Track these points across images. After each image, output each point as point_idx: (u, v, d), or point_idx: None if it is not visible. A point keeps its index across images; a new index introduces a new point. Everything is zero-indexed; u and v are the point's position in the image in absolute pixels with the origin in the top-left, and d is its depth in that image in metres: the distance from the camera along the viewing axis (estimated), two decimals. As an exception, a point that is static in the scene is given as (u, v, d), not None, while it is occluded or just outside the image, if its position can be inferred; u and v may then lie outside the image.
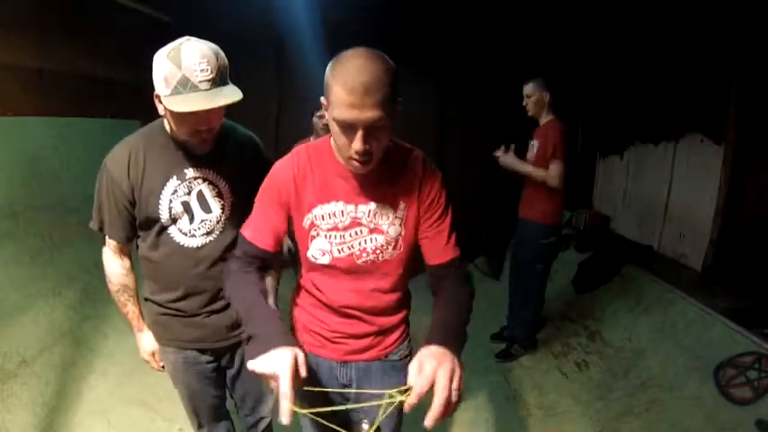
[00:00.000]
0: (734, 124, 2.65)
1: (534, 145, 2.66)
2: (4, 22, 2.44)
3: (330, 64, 0.90)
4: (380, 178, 1.02)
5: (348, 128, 0.88)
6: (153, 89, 1.07)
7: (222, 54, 1.07)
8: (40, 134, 2.82)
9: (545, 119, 2.62)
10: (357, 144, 0.88)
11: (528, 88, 2.62)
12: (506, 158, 2.67)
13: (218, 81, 1.04)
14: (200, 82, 1.01)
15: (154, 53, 1.05)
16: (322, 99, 0.94)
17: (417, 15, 3.99)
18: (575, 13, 3.52)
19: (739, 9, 2.49)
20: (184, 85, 1.01)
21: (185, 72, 1.00)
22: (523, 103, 2.64)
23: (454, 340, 0.86)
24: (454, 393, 0.76)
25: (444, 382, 0.75)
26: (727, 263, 2.73)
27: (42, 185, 2.79)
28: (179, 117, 1.07)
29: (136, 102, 3.80)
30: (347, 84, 0.84)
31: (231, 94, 1.05)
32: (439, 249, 1.05)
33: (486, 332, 3.18)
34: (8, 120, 2.51)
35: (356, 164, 0.93)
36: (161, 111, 1.13)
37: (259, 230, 1.05)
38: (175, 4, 3.72)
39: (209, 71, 1.02)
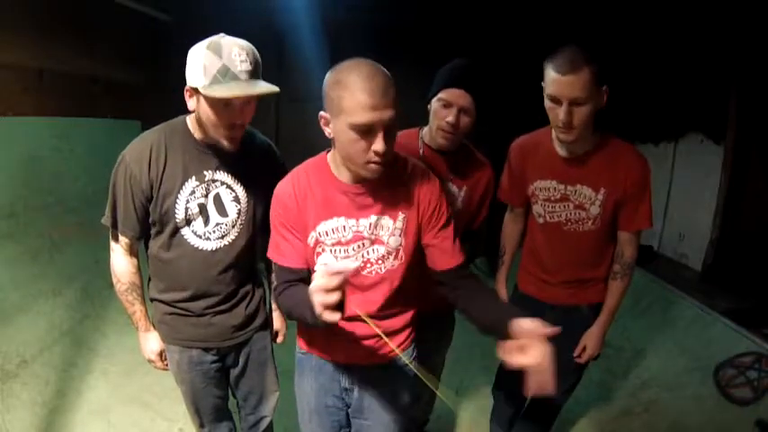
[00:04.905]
0: (734, 125, 2.66)
1: (591, 198, 1.35)
2: (4, 22, 2.44)
3: (332, 77, 0.91)
4: (380, 190, 1.02)
5: (367, 131, 0.90)
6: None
7: (257, 52, 1.09)
8: (40, 134, 2.83)
9: (591, 144, 1.35)
10: (379, 145, 0.90)
11: (577, 80, 1.23)
12: (592, 344, 1.46)
13: (256, 74, 1.06)
14: (240, 72, 1.02)
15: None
16: (321, 113, 0.95)
17: (417, 16, 3.99)
18: (575, 14, 3.52)
19: (739, 11, 2.50)
20: (224, 74, 1.01)
21: (226, 61, 1.01)
22: (567, 123, 1.25)
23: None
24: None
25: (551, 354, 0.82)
26: (727, 263, 2.73)
27: (42, 185, 2.79)
28: (216, 109, 1.07)
29: (136, 102, 3.83)
30: (365, 88, 0.87)
31: (270, 86, 1.06)
32: (447, 255, 1.06)
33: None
34: (8, 120, 2.51)
35: (375, 167, 0.94)
36: (191, 107, 1.12)
37: (285, 254, 1.07)
38: (175, 4, 3.71)
39: (249, 63, 1.03)
